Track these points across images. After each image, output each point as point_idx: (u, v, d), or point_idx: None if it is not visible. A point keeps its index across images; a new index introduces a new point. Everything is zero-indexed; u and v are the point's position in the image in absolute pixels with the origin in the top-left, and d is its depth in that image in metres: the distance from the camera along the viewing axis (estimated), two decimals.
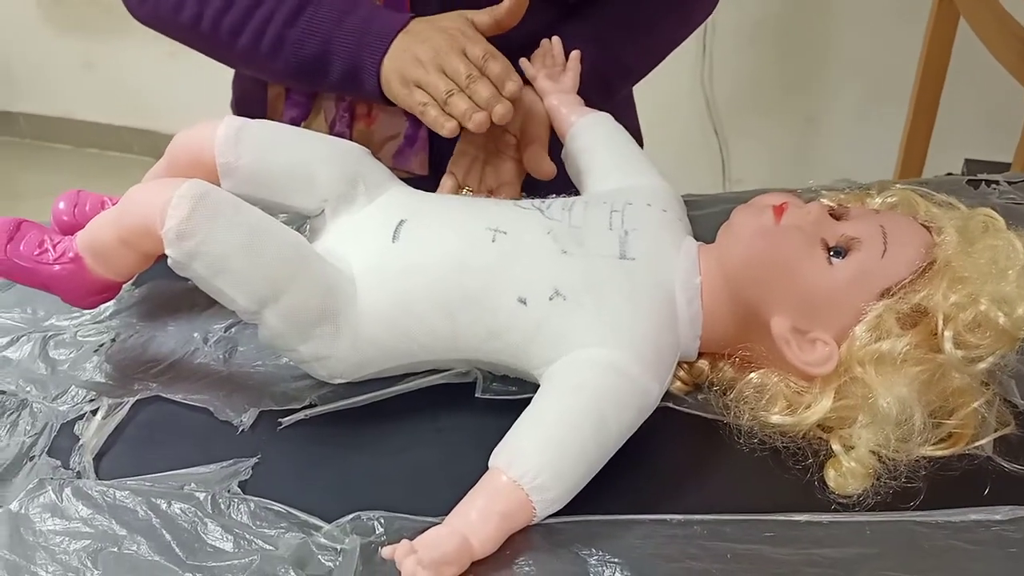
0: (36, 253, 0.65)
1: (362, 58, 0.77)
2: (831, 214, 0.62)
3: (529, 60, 0.81)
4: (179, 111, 2.42)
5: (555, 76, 0.79)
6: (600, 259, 0.62)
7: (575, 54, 0.80)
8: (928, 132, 1.61)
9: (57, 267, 0.64)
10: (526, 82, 0.79)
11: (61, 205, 0.74)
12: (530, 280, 0.61)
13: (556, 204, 0.66)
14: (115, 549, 0.54)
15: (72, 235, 0.66)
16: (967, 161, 1.64)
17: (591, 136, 0.75)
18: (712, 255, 0.63)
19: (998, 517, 0.55)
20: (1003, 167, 1.33)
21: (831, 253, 0.60)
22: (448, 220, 0.65)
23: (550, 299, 0.60)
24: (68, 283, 0.65)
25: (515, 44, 0.82)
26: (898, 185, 0.67)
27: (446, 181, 0.80)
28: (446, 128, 0.71)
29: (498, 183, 0.79)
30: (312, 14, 0.78)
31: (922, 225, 0.61)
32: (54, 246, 0.65)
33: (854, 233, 0.60)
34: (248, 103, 0.94)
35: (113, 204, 0.73)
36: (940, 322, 0.56)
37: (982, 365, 0.57)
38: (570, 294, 0.60)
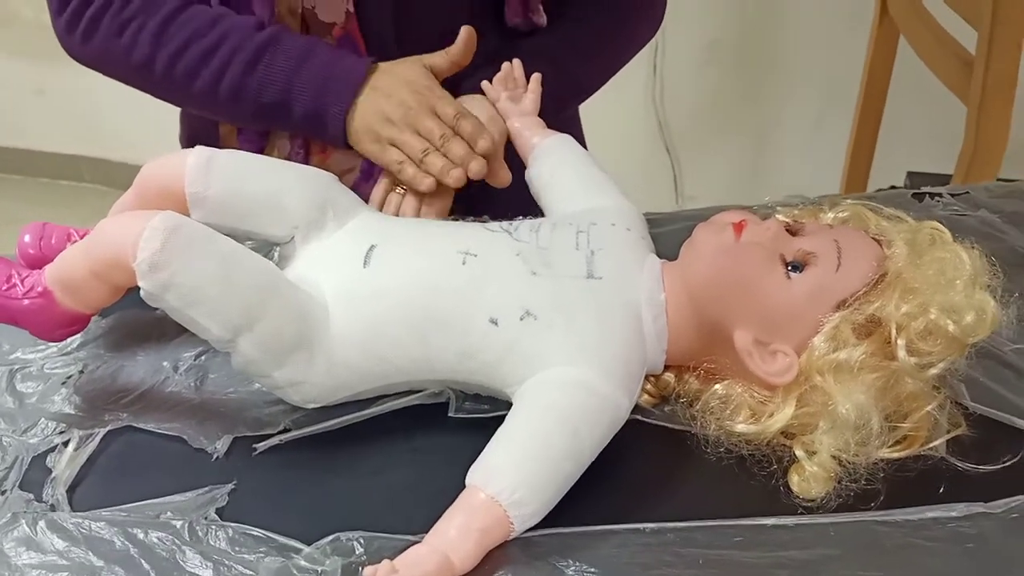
0: (4, 288, 0.64)
1: (325, 106, 0.79)
2: (788, 230, 0.64)
3: (490, 83, 0.83)
4: (132, 139, 2.40)
5: (516, 98, 0.81)
6: (568, 279, 0.63)
7: (536, 76, 0.82)
8: (872, 146, 1.66)
9: (26, 301, 0.64)
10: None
11: (27, 238, 0.73)
12: (501, 301, 0.62)
13: (524, 226, 0.68)
14: None
15: (39, 268, 0.65)
16: (910, 173, 1.70)
17: (555, 158, 0.77)
18: (676, 272, 0.65)
19: (954, 514, 0.57)
20: (944, 179, 1.38)
21: (789, 268, 0.62)
22: (418, 244, 0.66)
23: (521, 319, 0.61)
24: (37, 317, 0.65)
25: (467, 66, 0.83)
26: (848, 200, 0.70)
27: (380, 181, 0.81)
28: (424, 184, 0.75)
29: None
30: (269, 61, 0.79)
31: (873, 239, 0.64)
32: (22, 280, 0.64)
33: (810, 248, 0.62)
34: (200, 139, 0.93)
35: (80, 236, 0.73)
36: (893, 331, 0.59)
37: (933, 371, 0.60)
38: (540, 314, 0.61)
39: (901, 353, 0.59)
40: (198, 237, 0.60)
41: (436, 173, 0.75)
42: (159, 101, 0.87)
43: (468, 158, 0.75)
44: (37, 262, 0.69)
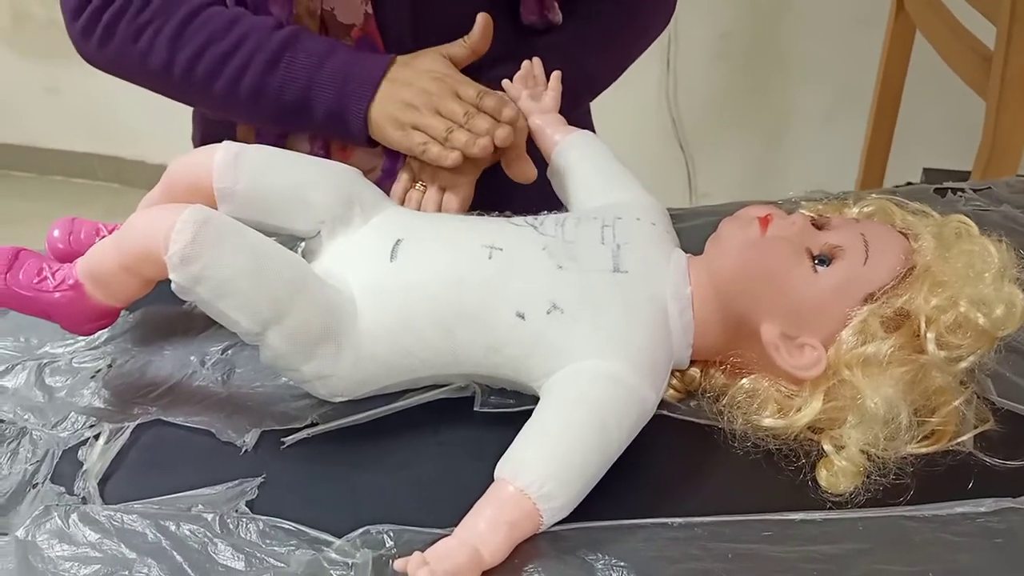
0: (35, 281, 0.65)
1: (347, 104, 0.78)
2: (813, 224, 0.64)
3: (511, 81, 0.83)
4: (144, 137, 2.41)
5: (537, 96, 0.81)
6: (594, 273, 0.64)
7: (556, 75, 0.82)
8: (888, 142, 1.66)
9: (57, 294, 0.64)
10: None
11: (56, 233, 0.74)
12: (527, 295, 0.62)
13: (549, 220, 0.68)
14: (126, 573, 0.55)
15: (70, 262, 0.66)
16: (925, 170, 1.70)
17: (577, 154, 0.77)
18: (701, 266, 0.65)
19: (983, 509, 0.57)
20: (960, 175, 1.38)
21: (816, 262, 0.62)
22: (444, 238, 0.66)
23: (548, 313, 0.62)
24: (68, 310, 0.65)
25: (482, 64, 0.83)
26: (873, 195, 0.70)
27: (401, 176, 0.82)
28: (450, 159, 0.74)
29: (453, 181, 0.80)
30: (290, 60, 0.79)
31: (900, 232, 0.64)
32: (53, 273, 0.65)
33: (837, 242, 0.62)
34: (214, 140, 0.92)
35: (108, 231, 0.74)
36: (923, 324, 0.59)
37: (963, 364, 0.60)
38: (567, 308, 0.62)
39: (931, 347, 0.59)
40: (228, 230, 0.60)
41: (461, 147, 0.74)
42: (173, 102, 0.88)
43: (493, 128, 0.74)
44: (66, 256, 0.69)
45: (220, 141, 0.70)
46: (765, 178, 2.06)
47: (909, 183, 1.64)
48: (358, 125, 0.79)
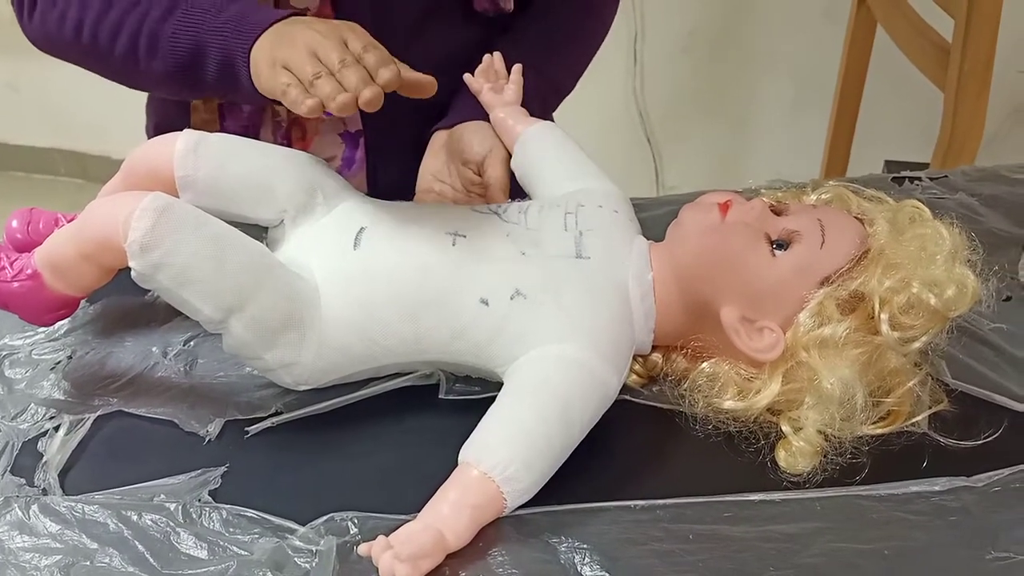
0: None
1: (233, 48, 0.71)
2: (772, 210, 0.65)
3: (472, 75, 0.82)
4: (108, 132, 2.38)
5: (499, 89, 0.81)
6: (557, 259, 0.64)
7: (517, 67, 0.82)
8: (850, 135, 1.68)
9: (15, 284, 0.64)
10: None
11: (14, 223, 0.73)
12: (491, 281, 0.63)
13: (512, 208, 0.69)
14: (87, 563, 0.54)
15: (28, 252, 0.65)
16: (887, 162, 1.72)
17: (540, 145, 0.77)
18: (663, 252, 0.66)
19: (937, 488, 0.59)
20: (921, 167, 1.40)
21: (774, 246, 0.63)
22: (408, 226, 0.66)
23: (511, 299, 0.62)
24: (26, 300, 0.65)
25: (441, 63, 0.82)
26: (831, 183, 0.71)
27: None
28: (305, 106, 0.63)
29: None
30: (187, 8, 0.73)
31: (856, 218, 0.65)
32: (11, 263, 0.64)
33: (794, 227, 0.63)
34: (170, 130, 0.84)
35: (68, 221, 0.73)
36: (876, 306, 0.60)
37: (916, 345, 0.62)
38: (530, 293, 0.62)
39: (884, 327, 0.60)
40: (189, 218, 0.60)
41: (323, 96, 0.63)
42: (136, 93, 0.86)
43: (362, 85, 0.62)
44: (25, 247, 0.69)
45: (177, 131, 0.68)
46: (731, 171, 2.07)
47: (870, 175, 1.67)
48: (245, 71, 0.70)
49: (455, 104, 0.86)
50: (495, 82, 0.82)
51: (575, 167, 0.76)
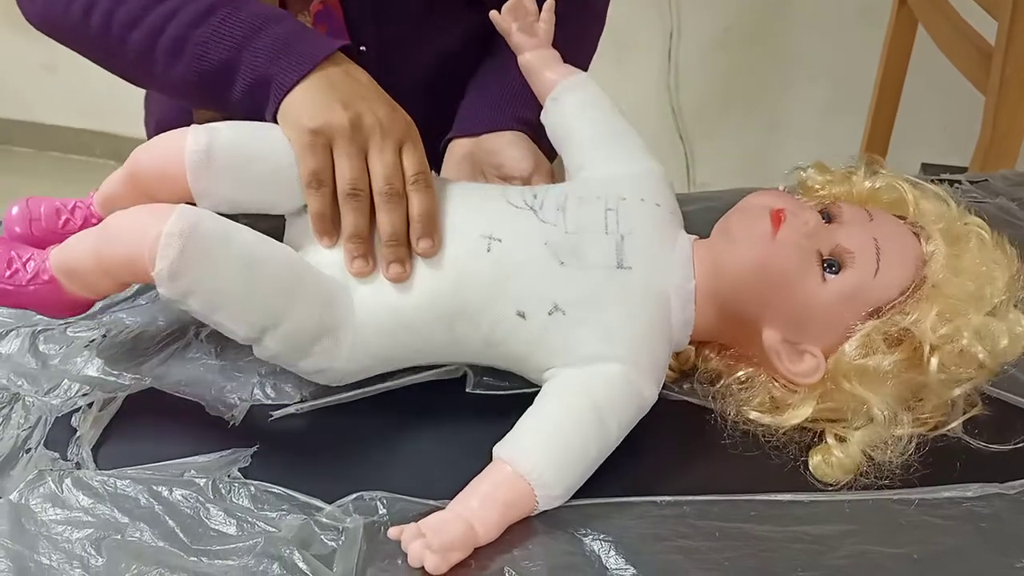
0: (7, 275, 0.62)
1: (271, 74, 0.65)
2: (823, 212, 0.63)
3: (499, 12, 0.75)
4: (141, 114, 2.40)
5: (529, 28, 0.74)
6: (598, 271, 0.61)
7: (548, 3, 0.74)
8: (887, 137, 1.66)
9: (32, 288, 0.62)
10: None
11: (14, 211, 0.69)
12: (529, 295, 0.61)
13: (549, 202, 0.64)
14: (118, 537, 0.55)
15: (42, 249, 0.64)
16: (924, 165, 1.70)
17: (575, 103, 0.72)
18: (707, 256, 0.63)
19: (969, 494, 0.58)
20: (959, 171, 1.38)
21: (825, 267, 0.60)
22: (442, 225, 0.63)
23: (549, 314, 0.60)
24: (43, 301, 0.63)
25: (448, 55, 0.81)
26: (883, 171, 0.67)
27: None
28: (323, 242, 0.63)
29: None
30: (227, 16, 0.68)
31: (911, 232, 0.62)
32: (24, 264, 0.62)
33: (848, 245, 0.60)
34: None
35: (68, 210, 0.69)
36: (926, 349, 0.58)
37: (958, 391, 0.60)
38: (569, 309, 0.60)
39: (932, 370, 0.58)
40: (216, 237, 0.57)
41: (346, 226, 0.61)
42: None
43: (391, 245, 0.60)
44: (27, 240, 0.66)
45: (177, 126, 0.64)
46: (764, 170, 2.06)
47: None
48: (275, 104, 0.65)
49: (468, 109, 0.83)
50: (524, 19, 0.73)
51: (613, 138, 0.70)
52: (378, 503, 0.56)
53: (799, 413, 0.60)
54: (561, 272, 0.61)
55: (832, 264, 0.60)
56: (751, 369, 0.63)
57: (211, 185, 0.63)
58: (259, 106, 0.67)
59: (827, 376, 0.60)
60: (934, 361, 0.58)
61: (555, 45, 0.75)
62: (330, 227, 0.62)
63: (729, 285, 0.62)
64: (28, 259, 0.63)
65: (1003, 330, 0.59)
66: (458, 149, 0.81)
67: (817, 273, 0.60)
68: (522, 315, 0.61)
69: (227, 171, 0.63)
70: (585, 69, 0.85)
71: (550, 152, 0.78)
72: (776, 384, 0.62)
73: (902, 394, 0.59)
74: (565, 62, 0.74)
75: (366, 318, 0.61)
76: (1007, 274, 0.60)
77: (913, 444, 0.59)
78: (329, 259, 0.63)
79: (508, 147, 0.78)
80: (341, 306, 0.61)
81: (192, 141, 0.63)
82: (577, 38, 0.87)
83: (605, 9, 0.94)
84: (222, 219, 0.59)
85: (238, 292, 0.58)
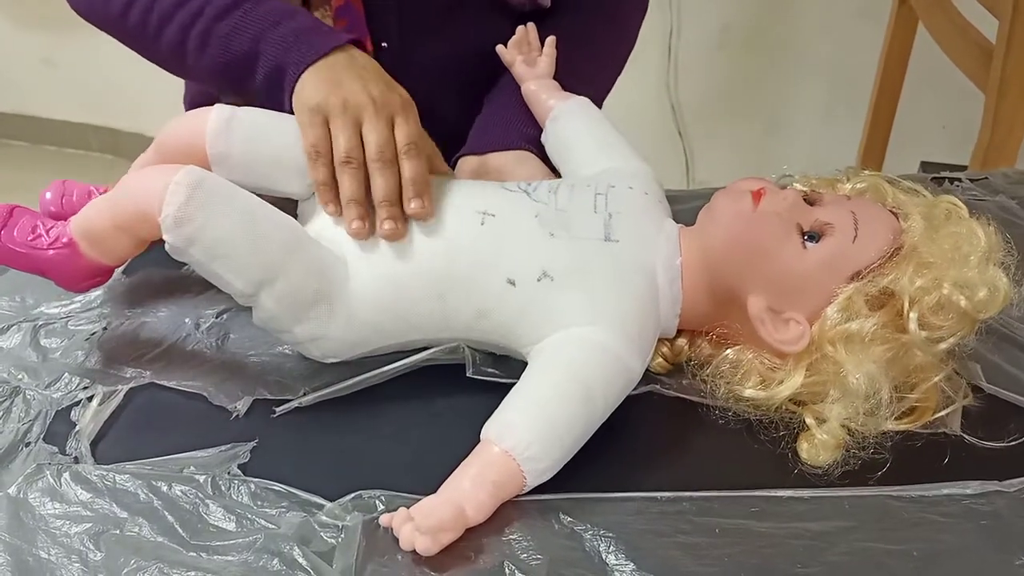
0: (30, 239, 0.65)
1: (286, 62, 0.71)
2: (805, 199, 0.65)
3: (505, 47, 0.83)
4: (139, 109, 2.40)
5: (531, 62, 0.82)
6: (586, 242, 0.64)
7: (550, 39, 0.82)
8: (886, 135, 1.66)
9: (51, 252, 0.65)
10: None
11: (48, 195, 0.74)
12: (519, 262, 0.63)
13: (542, 187, 0.68)
14: (117, 531, 0.55)
15: (64, 220, 0.66)
16: (923, 164, 1.70)
17: (572, 121, 0.77)
18: (693, 237, 0.66)
19: (968, 491, 0.58)
20: (958, 170, 1.38)
21: (806, 238, 0.62)
22: (437, 203, 0.66)
23: (538, 280, 0.62)
24: (62, 267, 0.65)
25: (471, 55, 0.82)
26: (867, 172, 0.70)
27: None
28: (327, 209, 0.66)
29: None
30: (248, 11, 0.74)
31: (890, 211, 0.64)
32: (47, 231, 0.65)
33: (827, 219, 0.62)
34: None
35: (100, 193, 0.74)
36: (906, 304, 0.59)
37: (943, 345, 0.61)
38: (557, 276, 0.62)
39: (912, 326, 0.59)
40: (222, 192, 0.60)
41: (343, 190, 0.65)
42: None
43: (386, 210, 0.64)
44: (58, 218, 0.69)
45: (211, 104, 0.69)
46: (762, 168, 2.05)
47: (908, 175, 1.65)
48: (291, 87, 0.70)
49: (479, 127, 0.85)
50: (528, 54, 0.82)
51: (607, 145, 0.75)
52: (377, 501, 0.56)
53: (790, 383, 0.61)
54: (551, 242, 0.64)
55: (813, 236, 0.62)
56: (739, 347, 0.64)
57: (228, 149, 0.67)
58: (278, 92, 0.72)
59: (813, 344, 0.61)
60: (913, 316, 0.59)
61: (581, 63, 0.81)
62: (332, 195, 0.66)
63: (714, 259, 0.63)
64: (51, 228, 0.66)
65: (980, 282, 0.60)
66: (466, 166, 0.83)
67: (797, 242, 0.62)
68: (512, 282, 0.62)
69: (244, 142, 0.67)
70: (609, 88, 0.90)
71: (556, 173, 0.80)
72: (765, 359, 0.63)
73: (888, 360, 0.60)
74: (588, 80, 0.81)
75: (360, 288, 0.63)
76: (984, 237, 0.62)
77: (895, 415, 0.60)
78: (328, 235, 0.65)
79: (515, 165, 0.80)
80: (337, 276, 0.63)
81: (217, 111, 0.68)
82: (603, 56, 0.90)
83: (637, 29, 0.96)
84: (229, 182, 0.62)
85: (239, 243, 0.60)
